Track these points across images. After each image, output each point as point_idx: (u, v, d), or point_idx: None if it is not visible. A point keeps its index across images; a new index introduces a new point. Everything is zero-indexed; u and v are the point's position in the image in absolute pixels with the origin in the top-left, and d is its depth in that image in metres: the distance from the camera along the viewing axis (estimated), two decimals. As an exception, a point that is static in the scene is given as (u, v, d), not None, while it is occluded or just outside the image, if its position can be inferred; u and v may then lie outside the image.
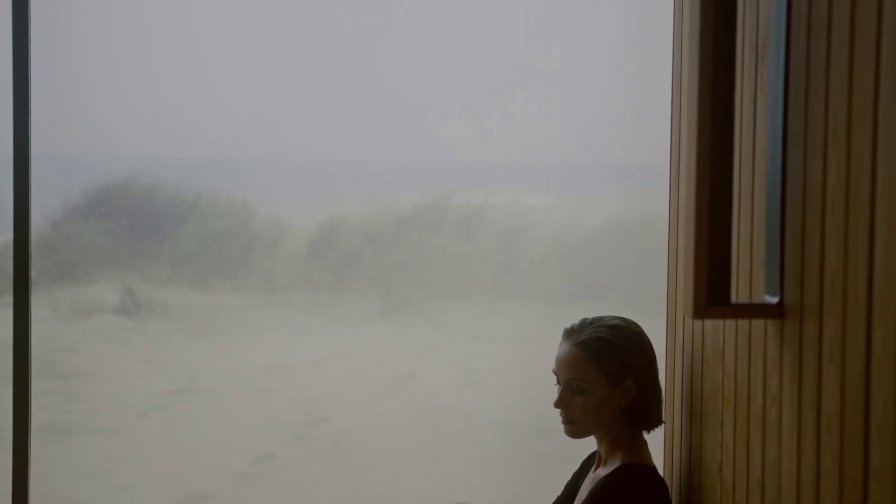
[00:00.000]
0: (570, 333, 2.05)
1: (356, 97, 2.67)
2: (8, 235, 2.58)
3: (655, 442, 2.36)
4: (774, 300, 1.46)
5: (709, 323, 1.96)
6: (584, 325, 2.04)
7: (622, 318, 2.05)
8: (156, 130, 2.71)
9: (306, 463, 2.77)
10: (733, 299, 1.58)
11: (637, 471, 1.97)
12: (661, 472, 2.39)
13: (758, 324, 1.58)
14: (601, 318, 2.04)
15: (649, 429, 2.05)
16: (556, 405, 2.04)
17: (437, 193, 2.75)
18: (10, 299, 2.58)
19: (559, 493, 2.23)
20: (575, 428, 2.03)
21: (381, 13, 2.68)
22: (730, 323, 1.78)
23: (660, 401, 2.05)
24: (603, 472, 2.02)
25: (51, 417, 2.73)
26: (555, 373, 2.05)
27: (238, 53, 2.69)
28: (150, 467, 2.75)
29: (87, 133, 2.70)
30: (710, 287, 1.48)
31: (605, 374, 1.99)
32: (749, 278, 1.61)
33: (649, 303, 2.60)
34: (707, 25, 1.47)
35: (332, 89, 2.69)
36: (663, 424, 2.16)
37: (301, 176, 2.77)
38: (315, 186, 2.78)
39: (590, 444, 2.12)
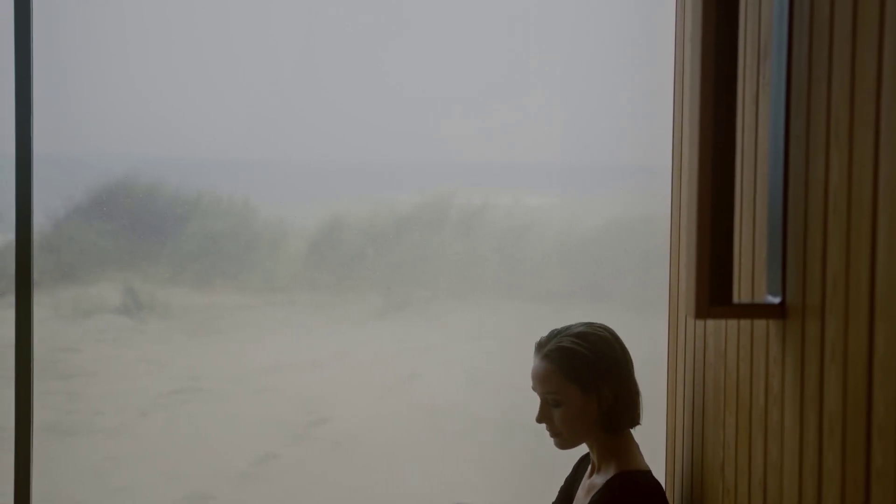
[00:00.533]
0: (539, 347, 2.03)
1: (356, 97, 2.67)
2: (10, 235, 2.58)
3: (657, 442, 2.36)
4: (776, 300, 1.46)
5: (711, 323, 1.96)
6: (552, 336, 2.02)
7: (588, 324, 2.03)
8: (156, 130, 2.71)
9: (307, 463, 2.77)
10: (735, 299, 1.58)
11: (633, 479, 1.95)
12: (662, 472, 2.39)
13: (760, 324, 1.58)
14: (568, 328, 2.03)
15: (625, 428, 2.01)
16: (538, 421, 2.03)
17: (438, 193, 2.75)
18: (12, 299, 2.59)
19: (554, 498, 2.23)
20: (562, 440, 2.02)
21: (381, 13, 2.68)
22: (732, 323, 1.78)
23: (636, 400, 2.02)
24: (598, 480, 2.01)
25: (53, 417, 2.73)
26: (533, 389, 2.04)
27: (238, 53, 2.69)
28: (152, 467, 2.75)
29: (88, 133, 2.70)
30: (712, 287, 1.48)
31: (576, 382, 1.97)
32: (751, 278, 1.61)
33: (651, 303, 2.60)
34: (709, 25, 1.47)
35: (332, 89, 2.69)
36: (668, 423, 2.15)
37: (302, 176, 2.77)
38: (315, 186, 2.78)
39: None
